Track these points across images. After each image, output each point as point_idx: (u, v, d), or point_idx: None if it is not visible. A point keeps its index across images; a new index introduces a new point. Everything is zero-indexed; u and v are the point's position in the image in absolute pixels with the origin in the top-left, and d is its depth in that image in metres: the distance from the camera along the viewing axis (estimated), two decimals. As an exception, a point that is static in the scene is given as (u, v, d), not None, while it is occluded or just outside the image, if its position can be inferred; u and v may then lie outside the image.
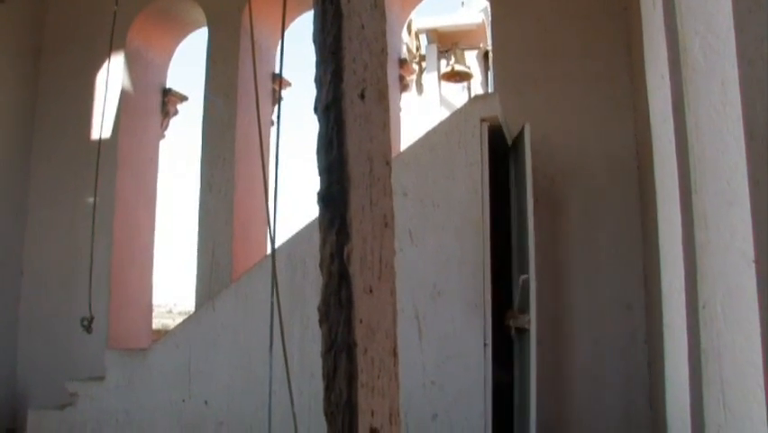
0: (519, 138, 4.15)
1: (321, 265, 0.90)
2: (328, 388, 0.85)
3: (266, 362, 3.24)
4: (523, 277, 3.89)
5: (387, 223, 0.94)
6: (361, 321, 0.86)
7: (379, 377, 0.89)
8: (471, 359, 3.81)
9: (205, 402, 4.38)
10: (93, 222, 3.99)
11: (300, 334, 4.02)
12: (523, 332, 3.99)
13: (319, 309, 0.89)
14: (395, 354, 0.94)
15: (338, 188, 0.86)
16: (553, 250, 4.72)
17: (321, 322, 0.88)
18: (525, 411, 3.86)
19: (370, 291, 0.89)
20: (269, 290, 2.96)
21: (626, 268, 4.60)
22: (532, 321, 3.85)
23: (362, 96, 0.91)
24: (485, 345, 3.78)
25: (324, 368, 0.87)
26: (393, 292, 0.95)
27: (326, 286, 0.88)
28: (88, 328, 3.85)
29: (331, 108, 0.88)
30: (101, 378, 4.72)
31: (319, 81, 0.89)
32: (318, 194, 0.89)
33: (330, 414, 0.84)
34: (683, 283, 2.70)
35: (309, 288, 4.20)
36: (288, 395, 3.21)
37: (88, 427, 4.60)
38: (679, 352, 3.25)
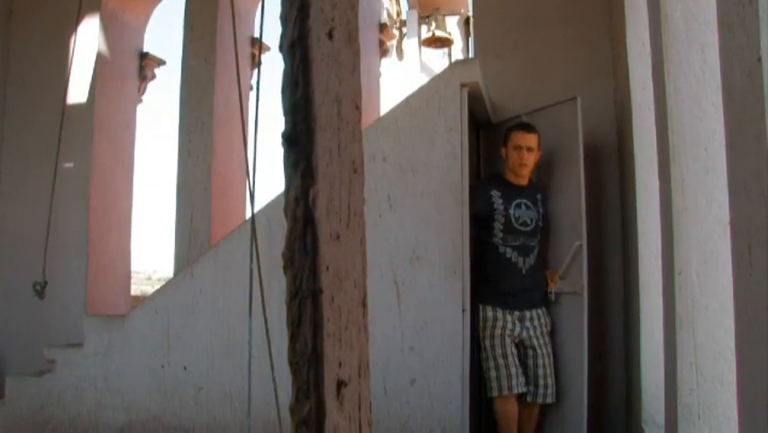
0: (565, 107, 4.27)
1: (285, 210, 0.87)
2: (293, 337, 0.83)
3: (245, 327, 3.24)
4: (576, 244, 4.05)
5: (356, 169, 0.91)
6: (327, 268, 0.84)
7: (347, 328, 0.87)
8: (449, 325, 3.83)
9: (185, 368, 4.37)
10: (53, 180, 3.92)
11: (279, 299, 3.98)
12: (566, 296, 4.15)
13: (283, 255, 0.87)
14: (364, 304, 0.92)
15: (303, 127, 0.83)
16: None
17: (285, 269, 0.86)
18: (578, 371, 3.99)
19: (338, 238, 0.86)
20: (248, 256, 2.94)
21: (604, 234, 4.62)
22: (584, 287, 3.99)
23: (330, 36, 0.88)
24: (463, 310, 3.80)
25: (288, 317, 0.85)
26: (363, 241, 0.93)
27: (291, 231, 0.86)
28: (41, 294, 3.79)
29: (296, 46, 0.85)
30: (79, 345, 4.69)
31: (284, 18, 0.86)
32: (283, 135, 0.86)
33: (295, 364, 0.82)
34: (660, 250, 2.71)
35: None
36: (267, 360, 3.21)
37: (67, 393, 4.58)
38: (654, 317, 3.28)
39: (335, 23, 0.88)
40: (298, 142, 0.83)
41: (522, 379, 3.87)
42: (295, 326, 0.82)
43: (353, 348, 0.86)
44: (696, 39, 2.32)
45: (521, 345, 3.98)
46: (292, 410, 0.83)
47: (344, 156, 0.88)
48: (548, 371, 3.94)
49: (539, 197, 4.16)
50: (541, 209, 4.11)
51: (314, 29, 0.84)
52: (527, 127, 4.11)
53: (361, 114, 0.94)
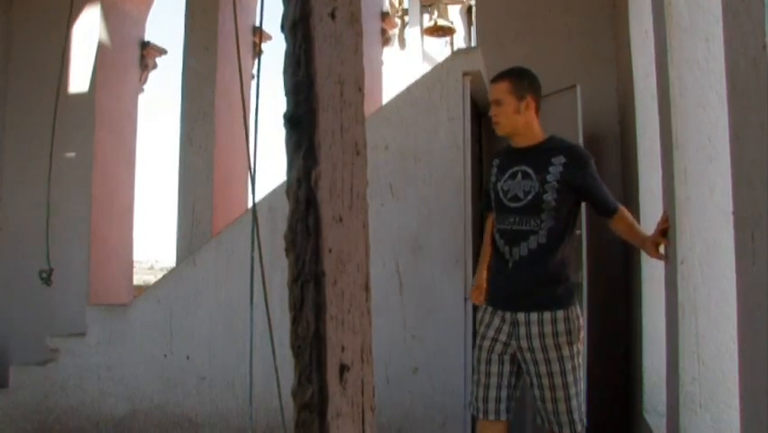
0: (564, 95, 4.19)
1: (287, 191, 0.86)
2: (295, 320, 0.82)
3: (247, 316, 3.23)
4: (576, 232, 3.89)
5: (359, 151, 0.90)
6: (330, 251, 0.83)
7: (349, 311, 0.87)
8: (452, 314, 3.83)
9: (187, 357, 4.38)
10: (49, 168, 3.92)
11: (281, 287, 4.00)
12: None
13: (285, 238, 0.86)
14: (367, 288, 0.91)
15: (305, 108, 0.82)
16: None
17: (287, 251, 0.85)
18: None
19: (340, 220, 0.86)
20: (249, 244, 2.94)
21: (605, 223, 4.61)
22: (584, 276, 3.89)
23: (333, 16, 0.87)
24: (465, 299, 3.79)
25: (290, 300, 0.84)
26: (365, 225, 0.92)
27: (293, 213, 0.85)
28: (47, 280, 3.79)
29: (298, 25, 0.84)
30: (82, 334, 4.70)
31: (286, -2, 0.85)
32: (284, 115, 0.85)
33: (297, 348, 0.82)
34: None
35: (290, 242, 4.18)
36: (269, 349, 3.21)
37: (70, 382, 4.60)
38: (657, 306, 3.28)
39: (338, 3, 0.87)
40: (300, 122, 0.82)
41: (505, 404, 2.94)
42: (297, 308, 0.82)
43: (356, 332, 0.86)
44: (700, 27, 2.30)
45: (516, 359, 2.98)
46: (294, 394, 0.82)
47: (347, 138, 0.87)
48: (548, 395, 2.87)
49: (558, 161, 2.97)
50: (555, 178, 2.94)
51: (316, 8, 0.83)
52: (494, 77, 3.19)
53: (363, 96, 0.93)
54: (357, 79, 0.91)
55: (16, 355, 5.79)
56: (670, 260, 2.56)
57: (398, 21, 8.57)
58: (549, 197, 2.93)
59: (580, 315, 2.94)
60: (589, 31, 4.86)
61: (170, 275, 4.70)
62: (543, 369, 2.86)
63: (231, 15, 5.31)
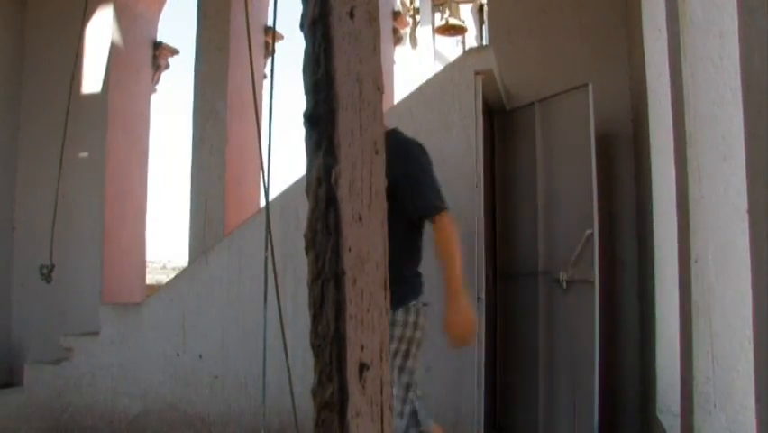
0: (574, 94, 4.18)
1: (307, 190, 0.87)
2: (315, 319, 0.82)
3: (260, 315, 3.24)
4: (587, 232, 3.92)
5: (377, 150, 0.91)
6: (349, 250, 0.83)
7: (368, 310, 0.87)
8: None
9: (200, 356, 4.40)
10: (60, 165, 3.94)
11: (294, 286, 4.02)
12: (578, 284, 4.04)
13: (305, 236, 0.86)
14: (385, 287, 0.91)
15: (325, 107, 0.82)
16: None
17: (307, 250, 0.85)
18: (587, 358, 3.92)
19: (360, 219, 0.86)
20: (262, 244, 2.95)
21: (619, 222, 4.60)
22: (596, 274, 3.89)
23: (351, 15, 0.87)
24: (478, 298, 3.78)
25: (310, 298, 0.84)
26: (384, 223, 0.92)
27: (313, 212, 0.85)
28: (48, 277, 3.81)
29: (317, 24, 0.84)
30: (95, 333, 4.73)
31: (306, -4, 0.85)
32: (304, 114, 0.86)
33: (317, 346, 0.82)
34: (676, 238, 2.69)
35: (302, 241, 4.19)
36: (282, 348, 3.22)
37: (84, 381, 4.63)
38: (670, 306, 3.26)
39: (356, 2, 0.87)
40: (320, 121, 0.82)
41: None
42: (317, 307, 0.82)
43: (375, 331, 0.86)
44: (714, 23, 2.28)
45: None
46: (314, 393, 0.82)
47: (366, 137, 0.87)
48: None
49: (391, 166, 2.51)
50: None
51: (335, 7, 0.83)
52: None
53: (382, 95, 0.93)
54: (375, 78, 0.91)
55: (30, 353, 5.83)
56: (683, 259, 2.55)
57: (410, 20, 8.57)
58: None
59: (417, 313, 2.78)
60: (602, 29, 4.84)
61: (183, 274, 4.72)
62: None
63: (243, 15, 5.32)
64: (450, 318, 2.62)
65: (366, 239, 0.87)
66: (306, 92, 0.85)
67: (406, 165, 2.72)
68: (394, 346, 2.72)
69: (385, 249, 0.92)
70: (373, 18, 0.91)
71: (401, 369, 2.73)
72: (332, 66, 0.82)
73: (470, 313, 2.58)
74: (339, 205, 0.82)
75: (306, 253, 0.86)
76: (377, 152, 0.90)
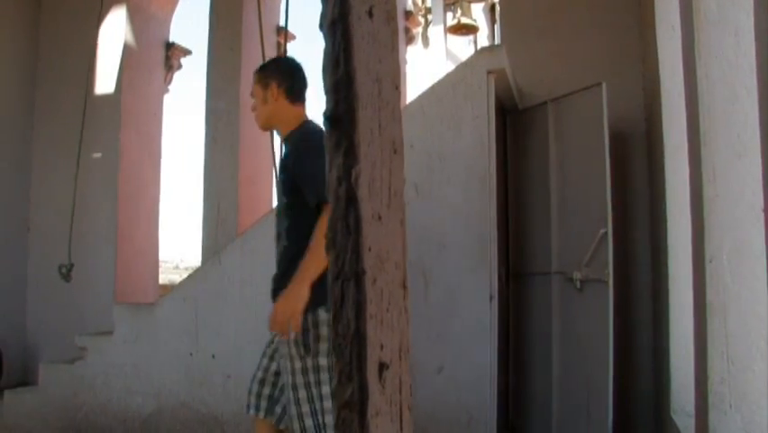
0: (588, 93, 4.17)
1: (327, 190, 0.87)
2: (335, 318, 0.82)
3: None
4: (601, 231, 3.91)
5: (396, 150, 0.91)
6: (369, 249, 0.83)
7: (388, 310, 0.87)
8: (477, 312, 3.81)
9: (213, 356, 4.42)
10: (77, 164, 3.97)
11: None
12: (592, 284, 4.02)
13: (325, 236, 0.87)
14: (404, 287, 0.91)
15: (345, 107, 0.83)
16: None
17: (328, 249, 0.85)
18: (601, 357, 3.90)
19: (379, 219, 0.86)
20: (274, 243, 2.95)
21: (632, 221, 4.58)
22: (610, 274, 3.88)
23: (370, 14, 0.87)
24: (491, 298, 3.78)
25: (330, 298, 0.84)
26: (403, 223, 0.92)
27: (333, 211, 0.85)
28: (67, 276, 3.83)
29: (337, 24, 0.84)
30: (109, 332, 4.76)
31: (325, -5, 0.85)
32: (324, 114, 0.86)
33: (337, 346, 0.82)
34: (690, 237, 2.67)
35: (315, 241, 4.20)
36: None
37: (98, 380, 4.66)
38: (684, 305, 3.24)
39: (375, 1, 0.87)
40: (340, 121, 0.82)
41: (265, 402, 2.85)
42: (337, 307, 0.82)
43: (395, 331, 0.86)
44: (729, 21, 2.27)
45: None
46: (334, 393, 0.82)
47: (385, 136, 0.87)
48: (290, 411, 2.65)
49: (291, 157, 2.76)
50: (286, 174, 2.75)
51: (354, 6, 0.83)
52: None
53: (400, 94, 0.93)
54: (394, 77, 0.91)
55: (45, 353, 5.88)
56: (698, 259, 2.54)
57: (422, 19, 8.57)
58: (283, 195, 2.78)
59: (320, 322, 2.57)
60: (615, 27, 4.82)
61: (196, 274, 4.74)
62: (284, 378, 2.66)
63: (255, 15, 5.33)
64: (282, 301, 2.49)
65: (385, 238, 0.87)
66: (326, 92, 0.85)
67: (300, 157, 2.67)
68: (325, 347, 2.58)
69: (404, 248, 0.92)
70: (391, 17, 0.91)
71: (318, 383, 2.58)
72: (351, 65, 0.82)
73: (299, 307, 2.43)
74: (359, 204, 0.82)
75: (326, 253, 0.86)
76: (395, 152, 0.90)
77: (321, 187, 2.36)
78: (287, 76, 2.87)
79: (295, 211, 2.68)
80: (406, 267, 0.92)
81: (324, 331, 2.56)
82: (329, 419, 2.52)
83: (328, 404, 2.53)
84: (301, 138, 2.76)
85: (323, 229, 2.35)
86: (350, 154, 0.81)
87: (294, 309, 2.45)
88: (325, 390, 2.54)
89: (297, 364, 2.57)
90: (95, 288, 5.78)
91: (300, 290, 2.44)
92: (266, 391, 2.81)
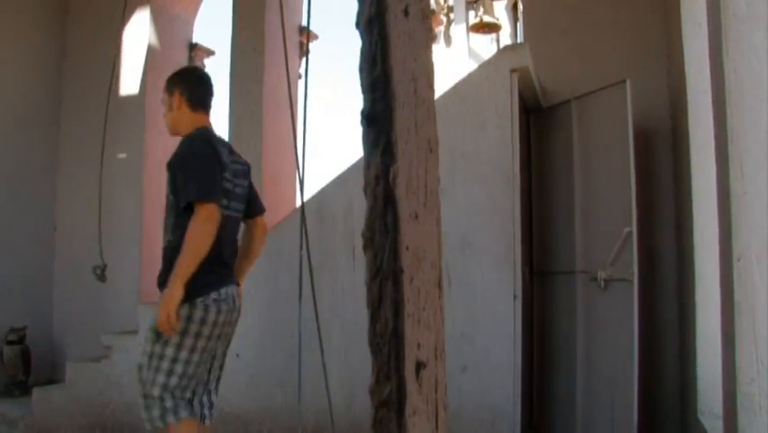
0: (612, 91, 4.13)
1: (365, 189, 0.87)
2: (373, 318, 0.82)
3: (296, 315, 3.26)
4: (626, 230, 3.87)
5: (431, 148, 0.90)
6: (407, 248, 0.83)
7: (424, 309, 0.87)
8: (501, 311, 3.80)
9: (237, 355, 4.43)
10: (101, 166, 4.01)
11: (330, 286, 4.03)
12: (616, 283, 3.97)
13: (363, 235, 0.86)
14: (440, 286, 0.91)
15: (382, 105, 0.82)
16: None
17: (366, 248, 0.85)
18: (626, 357, 3.86)
19: (416, 218, 0.86)
20: (298, 244, 2.96)
21: (658, 220, 4.53)
22: (635, 273, 3.84)
23: (406, 13, 0.87)
24: (515, 297, 3.76)
25: (368, 297, 0.84)
26: (439, 221, 0.92)
27: (371, 210, 0.85)
28: (101, 277, 3.87)
29: (374, 23, 0.84)
30: (134, 331, 4.81)
31: (361, -5, 0.85)
32: (362, 112, 0.86)
33: (375, 345, 0.82)
34: (718, 235, 2.64)
35: (338, 240, 4.21)
36: (318, 347, 3.23)
37: (124, 378, 4.70)
38: (711, 305, 3.20)
39: (410, 0, 0.87)
40: (378, 120, 0.82)
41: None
42: (375, 306, 0.82)
43: (431, 329, 0.86)
44: (759, 16, 2.24)
45: None
46: (372, 392, 0.82)
47: (421, 134, 0.87)
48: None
49: (175, 158, 3.13)
50: (171, 174, 3.10)
51: (391, 5, 0.83)
52: None
53: (434, 92, 0.93)
54: (429, 76, 0.91)
55: (71, 351, 5.94)
56: (725, 257, 2.50)
57: (444, 18, 8.55)
58: (170, 193, 3.07)
59: (192, 318, 2.90)
60: (639, 24, 4.77)
61: (220, 273, 4.76)
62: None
63: (278, 16, 5.35)
64: (162, 304, 2.77)
65: (422, 237, 0.86)
66: (364, 91, 0.85)
67: (177, 158, 2.99)
68: (185, 340, 2.92)
69: (439, 247, 0.91)
70: (426, 16, 0.91)
71: (160, 356, 2.94)
72: (388, 64, 0.82)
73: (171, 308, 2.72)
74: (397, 203, 0.82)
75: (365, 252, 0.86)
76: (431, 150, 0.90)
77: (192, 189, 2.80)
78: (189, 85, 3.19)
79: (178, 208, 2.95)
80: (441, 267, 0.91)
81: (193, 328, 2.90)
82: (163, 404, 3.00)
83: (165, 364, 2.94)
84: (187, 142, 3.04)
85: (193, 229, 2.74)
86: (387, 153, 0.80)
87: (170, 310, 2.73)
88: (164, 378, 2.97)
89: (148, 348, 2.99)
90: (120, 287, 5.82)
91: (174, 292, 2.73)
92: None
